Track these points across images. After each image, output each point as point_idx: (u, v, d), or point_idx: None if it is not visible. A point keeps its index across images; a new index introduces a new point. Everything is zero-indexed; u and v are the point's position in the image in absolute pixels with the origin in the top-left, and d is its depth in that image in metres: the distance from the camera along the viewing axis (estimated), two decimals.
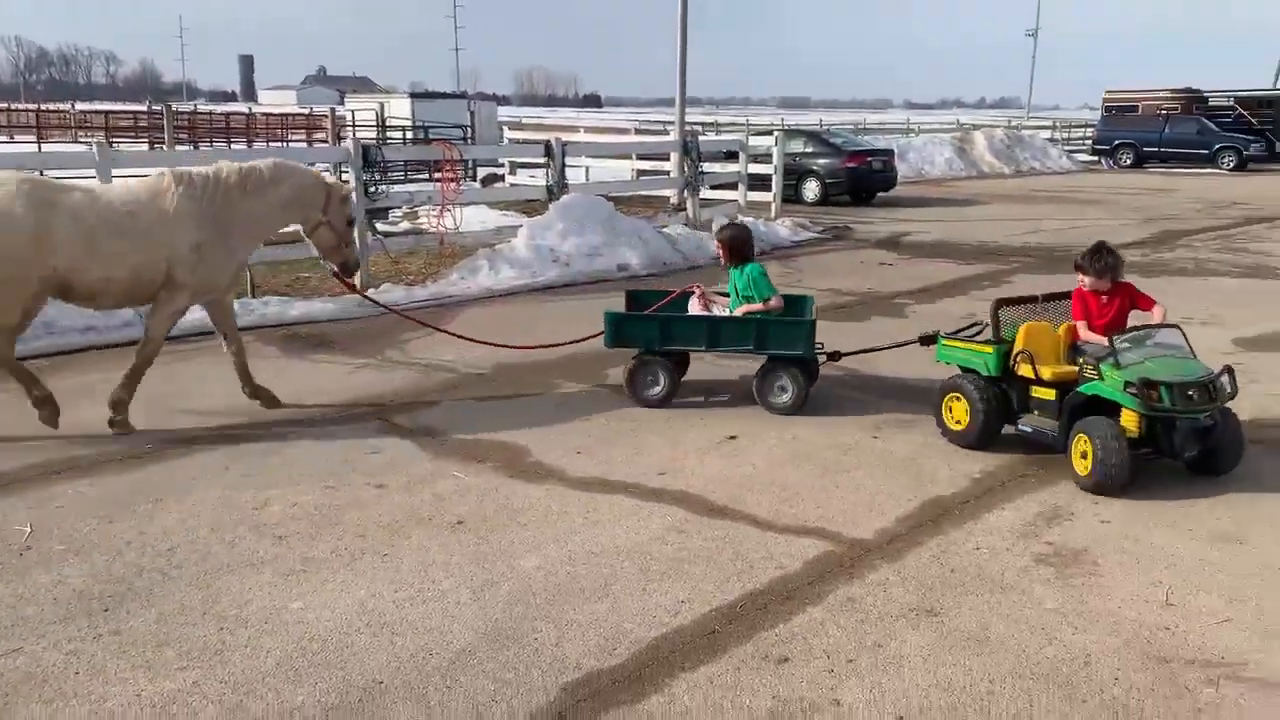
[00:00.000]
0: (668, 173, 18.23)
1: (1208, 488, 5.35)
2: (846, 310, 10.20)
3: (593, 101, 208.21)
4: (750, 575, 4.32)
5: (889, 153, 23.61)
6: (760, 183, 17.54)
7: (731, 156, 18.86)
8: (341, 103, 46.44)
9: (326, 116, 36.24)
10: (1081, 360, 5.58)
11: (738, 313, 6.83)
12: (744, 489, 5.33)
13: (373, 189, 11.46)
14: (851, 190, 21.69)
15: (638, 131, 36.04)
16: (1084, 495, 5.22)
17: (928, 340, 6.62)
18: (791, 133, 23.23)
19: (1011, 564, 4.46)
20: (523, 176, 22.84)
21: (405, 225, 15.99)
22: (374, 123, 33.50)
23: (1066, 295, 6.17)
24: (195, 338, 8.63)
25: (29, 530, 4.74)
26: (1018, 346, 5.83)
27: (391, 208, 13.53)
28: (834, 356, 7.06)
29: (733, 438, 6.17)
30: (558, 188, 13.10)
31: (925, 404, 6.51)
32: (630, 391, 6.86)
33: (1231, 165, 34.20)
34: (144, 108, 51.85)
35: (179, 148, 29.28)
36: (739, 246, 6.96)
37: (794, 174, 20.67)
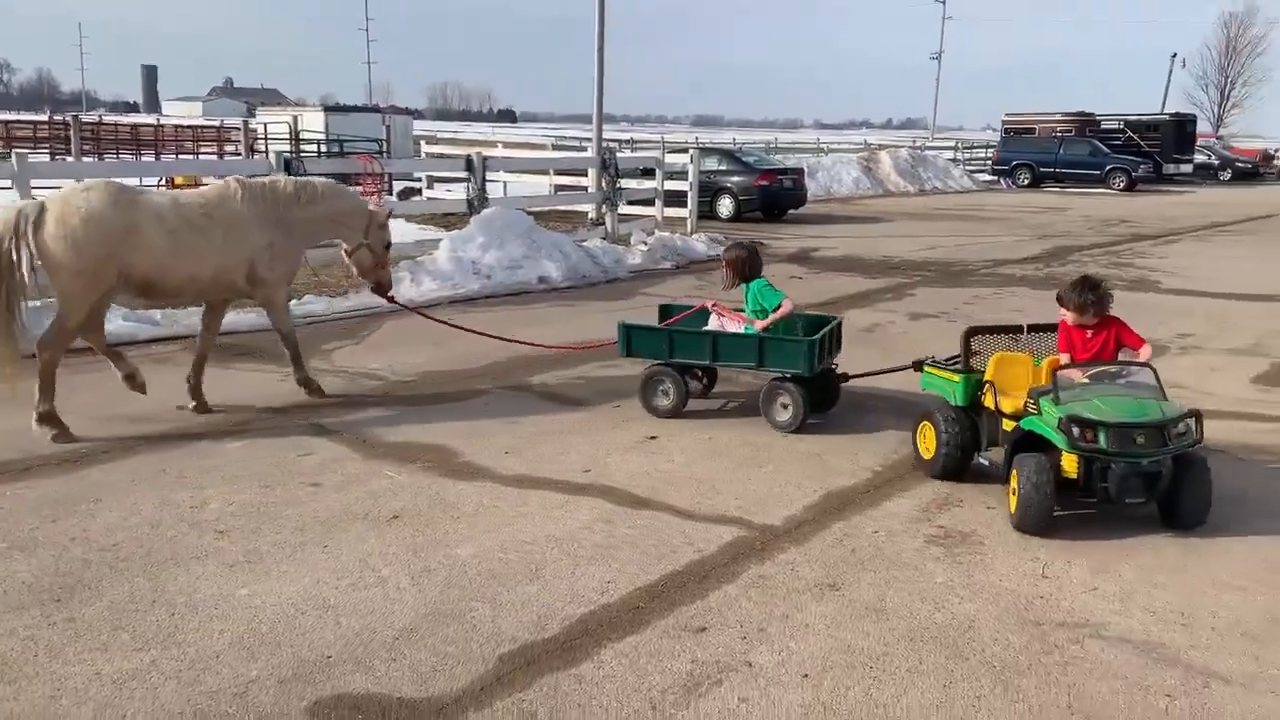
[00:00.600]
0: (585, 188, 18.62)
1: None
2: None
3: (507, 117, 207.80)
4: (671, 558, 4.68)
5: (799, 171, 24.37)
6: (677, 199, 18.02)
7: (648, 173, 19.33)
8: (250, 115, 45.76)
9: (238, 129, 35.75)
10: (1027, 395, 5.34)
11: (756, 327, 6.81)
12: (664, 483, 5.69)
13: None
14: (764, 207, 22.36)
15: (555, 147, 36.40)
16: (972, 485, 5.70)
17: (919, 366, 6.36)
18: (706, 151, 23.84)
19: (906, 545, 4.90)
20: (439, 191, 22.98)
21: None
22: (287, 136, 33.19)
23: (1053, 328, 5.89)
24: (119, 348, 8.68)
25: None
26: (987, 376, 5.61)
27: None
28: (842, 379, 7.05)
29: (653, 437, 6.54)
30: (479, 202, 13.37)
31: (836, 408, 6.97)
32: (641, 401, 7.01)
33: (1122, 185, 35.95)
34: (44, 117, 50.36)
35: (85, 159, 28.63)
36: (739, 266, 6.99)
37: (709, 191, 21.24)
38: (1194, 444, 5.01)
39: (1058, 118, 42.93)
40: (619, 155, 17.76)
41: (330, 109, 38.90)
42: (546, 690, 3.57)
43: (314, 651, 3.81)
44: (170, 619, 4.04)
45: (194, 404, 6.95)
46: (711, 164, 22.35)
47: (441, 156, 25.11)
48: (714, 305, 7.30)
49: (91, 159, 30.70)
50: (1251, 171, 46.17)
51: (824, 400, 7.01)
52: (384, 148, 33.12)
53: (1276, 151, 53.86)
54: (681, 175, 18.36)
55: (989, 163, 41.44)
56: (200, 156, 35.35)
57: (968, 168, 41.34)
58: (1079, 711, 3.50)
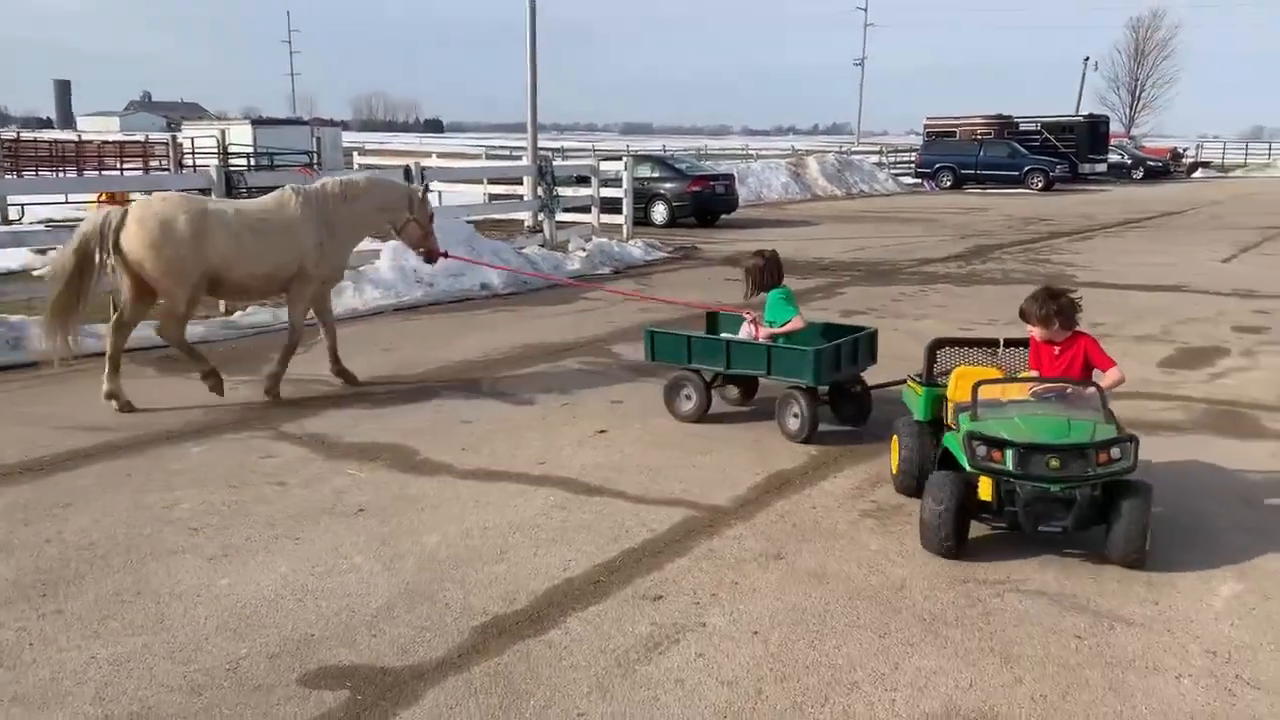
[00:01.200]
0: (520, 196, 18.88)
1: None
2: (698, 322, 11.04)
3: (434, 127, 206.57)
4: (626, 538, 5.01)
5: (730, 177, 24.91)
6: (612, 206, 18.37)
7: (583, 181, 19.64)
8: (169, 129, 45.16)
9: (163, 144, 35.31)
10: (954, 410, 5.10)
11: (761, 336, 6.87)
12: (616, 472, 6.02)
13: None
14: (697, 213, 22.83)
15: (488, 157, 36.54)
16: None
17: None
18: (639, 158, 24.22)
19: (843, 518, 5.30)
20: None
21: None
22: (215, 150, 32.92)
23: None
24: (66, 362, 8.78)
25: None
26: (948, 391, 5.35)
27: None
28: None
29: (602, 431, 6.86)
30: None
31: (767, 400, 7.36)
32: (667, 406, 7.11)
33: (1040, 185, 37.21)
34: None
35: (7, 176, 28.05)
36: (755, 274, 6.97)
37: (643, 197, 21.64)
38: (1125, 471, 4.57)
39: (978, 121, 44.22)
40: (554, 164, 18.07)
41: (258, 122, 38.73)
42: (519, 655, 3.88)
43: (298, 631, 4.06)
44: (156, 608, 4.26)
45: (343, 381, 8.01)
46: (645, 171, 22.74)
47: (376, 168, 25.11)
48: (750, 314, 7.17)
49: (12, 175, 30.09)
50: (1162, 170, 48.02)
51: (855, 412, 6.92)
52: (315, 160, 33.02)
53: (1185, 150, 56.08)
54: (616, 183, 18.72)
55: (913, 166, 42.55)
56: (125, 172, 34.78)
57: (893, 171, 42.39)
58: (999, 653, 3.91)
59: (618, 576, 4.58)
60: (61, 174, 35.80)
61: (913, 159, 43.88)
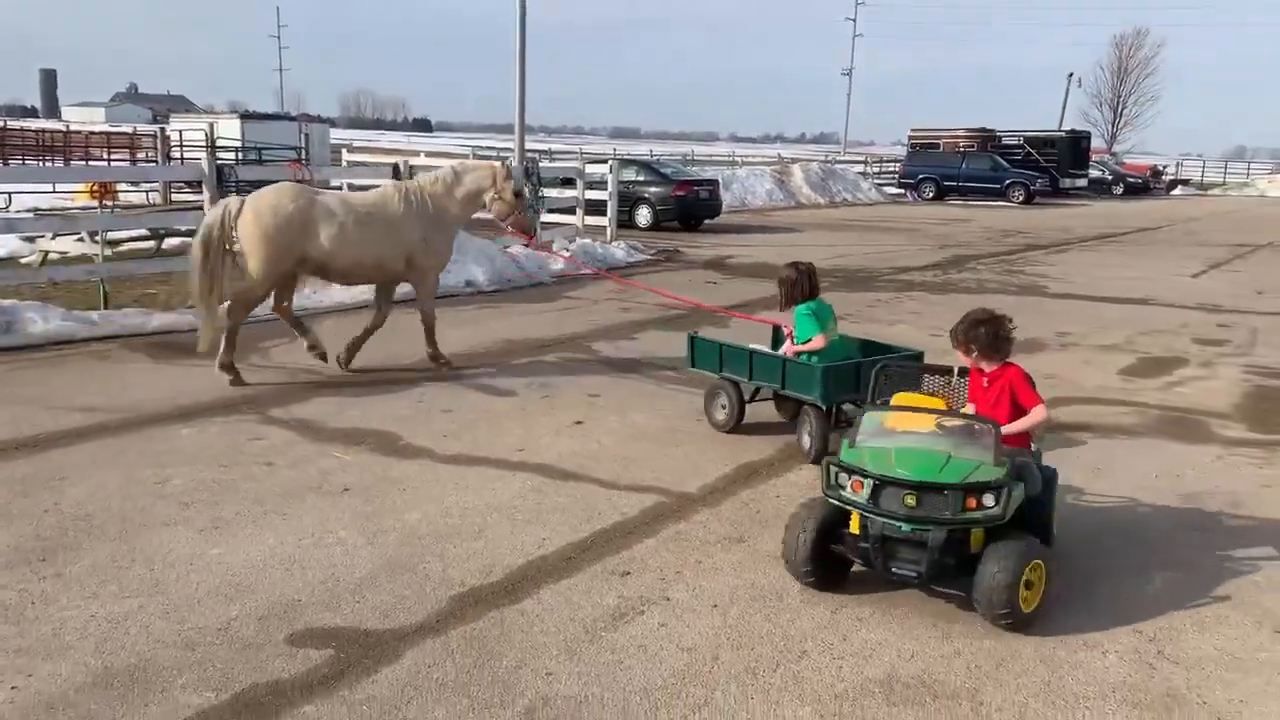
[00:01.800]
0: None
1: None
2: (676, 322, 11.34)
3: (422, 126, 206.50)
4: (598, 520, 5.28)
5: (714, 182, 25.22)
6: (596, 208, 18.64)
7: (569, 183, 19.92)
8: (155, 121, 45.13)
9: (153, 136, 35.36)
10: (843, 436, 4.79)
11: (785, 351, 6.69)
12: (591, 460, 6.29)
13: None
14: (680, 216, 23.13)
15: (476, 157, 36.72)
16: None
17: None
18: (625, 162, 24.50)
19: None
20: None
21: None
22: (203, 143, 32.98)
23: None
24: (57, 346, 9.01)
25: None
26: None
27: None
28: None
29: (579, 422, 7.13)
30: None
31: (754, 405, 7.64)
32: (705, 412, 7.07)
33: (1020, 198, 37.72)
34: None
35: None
36: (787, 287, 6.65)
37: (628, 200, 21.92)
38: (991, 521, 4.11)
39: (961, 133, 44.77)
40: (541, 165, 18.34)
41: (246, 116, 38.71)
42: (494, 621, 4.14)
43: (285, 596, 4.31)
44: (151, 574, 4.50)
45: (435, 364, 8.46)
46: (630, 175, 23.03)
47: (372, 165, 25.30)
48: (788, 328, 6.91)
49: None
50: (1142, 186, 48.70)
51: None
52: (303, 156, 33.14)
53: (1165, 168, 56.81)
54: (601, 185, 18.99)
55: (897, 177, 43.00)
56: (112, 164, 34.82)
57: (877, 181, 42.84)
58: (941, 629, 4.19)
59: (589, 554, 4.84)
60: (48, 163, 35.81)
61: (897, 169, 44.34)
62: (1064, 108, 58.96)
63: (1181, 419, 7.72)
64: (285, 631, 4.01)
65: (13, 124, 47.51)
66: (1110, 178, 48.01)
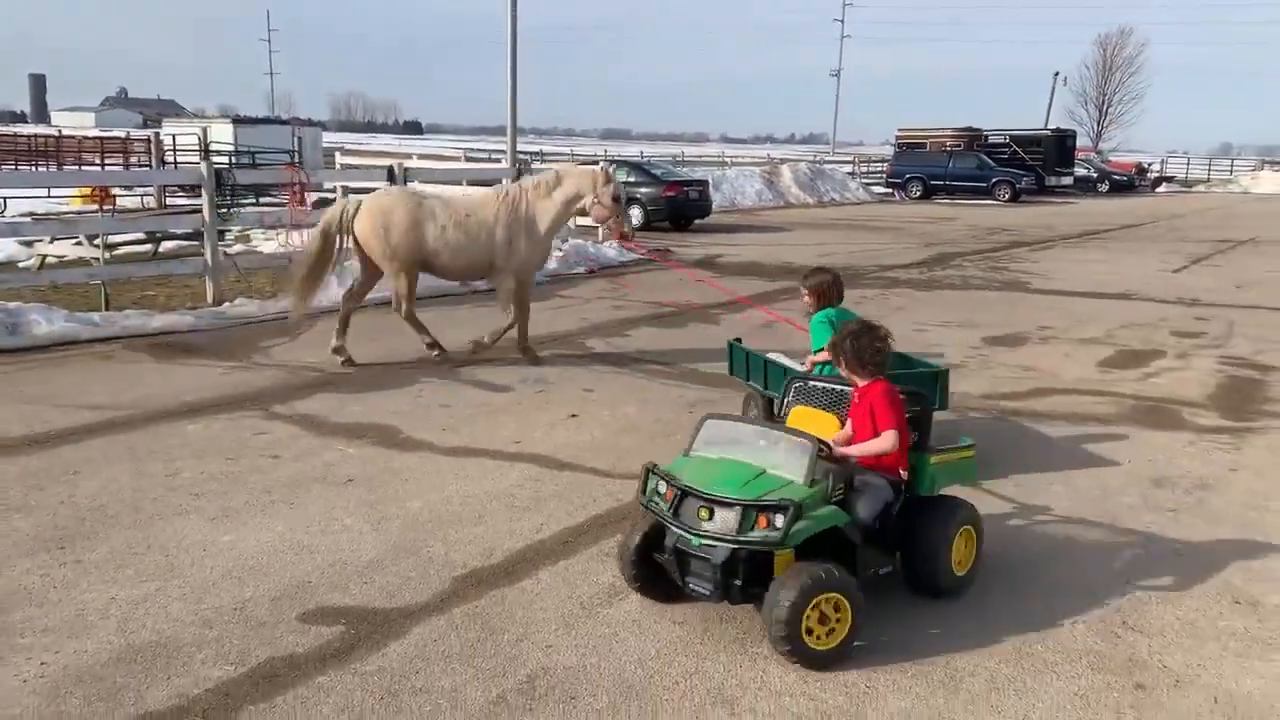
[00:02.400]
0: None
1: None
2: (668, 319, 11.58)
3: (413, 129, 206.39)
4: (594, 506, 5.51)
5: (704, 183, 25.47)
6: None
7: None
8: (145, 125, 45.21)
9: (145, 141, 35.50)
10: None
11: (806, 363, 6.23)
12: (586, 451, 6.51)
13: (224, 209, 12.11)
14: (671, 217, 23.38)
15: (467, 159, 36.96)
16: None
17: None
18: (616, 163, 24.75)
19: None
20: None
21: (238, 247, 16.48)
22: (196, 148, 33.13)
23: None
24: (61, 346, 9.21)
25: None
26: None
27: (224, 230, 14.06)
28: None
29: (574, 416, 7.35)
30: None
31: (725, 388, 7.87)
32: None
33: (1006, 197, 38.01)
34: None
35: None
36: (820, 292, 6.21)
37: None
38: (768, 544, 3.83)
39: (948, 133, 45.08)
40: (534, 167, 18.56)
41: (238, 121, 38.91)
42: (495, 600, 4.36)
43: (296, 579, 4.53)
44: (166, 559, 4.72)
45: (525, 358, 8.86)
46: (621, 176, 23.19)
47: (366, 168, 25.50)
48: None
49: None
50: (1127, 184, 49.06)
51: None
52: (296, 159, 33.30)
53: (1150, 165, 57.23)
54: None
55: (884, 176, 43.31)
56: (106, 168, 34.91)
57: (864, 180, 43.14)
58: (922, 601, 4.43)
59: (585, 537, 5.07)
60: (41, 168, 35.88)
61: (884, 169, 44.63)
62: (1050, 107, 59.43)
63: (1156, 408, 7.97)
64: (297, 610, 4.23)
65: (4, 129, 47.47)
66: (1096, 175, 48.38)
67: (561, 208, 8.70)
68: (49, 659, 3.80)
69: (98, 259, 12.59)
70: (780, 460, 4.06)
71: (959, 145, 43.00)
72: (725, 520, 3.87)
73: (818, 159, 48.05)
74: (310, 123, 52.64)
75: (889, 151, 51.13)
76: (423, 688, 3.67)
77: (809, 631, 3.77)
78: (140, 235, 15.61)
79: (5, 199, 22.19)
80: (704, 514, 3.92)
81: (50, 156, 37.54)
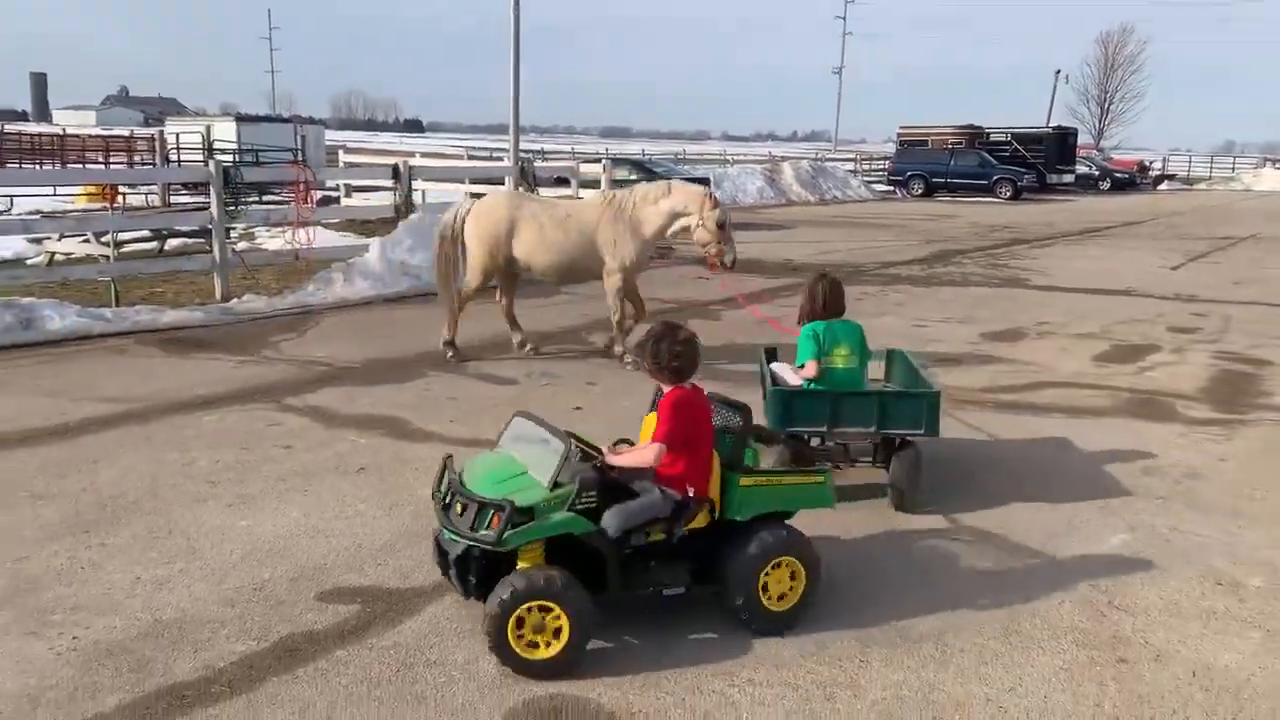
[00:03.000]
0: None
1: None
2: (667, 315, 11.74)
3: (414, 127, 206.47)
4: None
5: (706, 181, 25.60)
6: None
7: (562, 182, 20.30)
8: (146, 124, 45.40)
9: (148, 139, 35.69)
10: None
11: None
12: (593, 440, 6.66)
13: (231, 207, 12.28)
14: None
15: (470, 157, 37.15)
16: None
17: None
18: (618, 161, 24.90)
19: None
20: (357, 199, 23.63)
21: (243, 244, 16.64)
22: (199, 146, 33.32)
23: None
24: (74, 341, 9.38)
25: None
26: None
27: (230, 227, 14.21)
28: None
29: (578, 408, 7.53)
30: (406, 207, 14.19)
31: (726, 380, 8.04)
32: None
33: (1008, 195, 38.14)
34: None
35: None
36: (805, 299, 6.00)
37: None
38: (486, 543, 3.75)
39: (949, 131, 45.17)
40: (536, 165, 18.73)
41: (242, 119, 39.10)
42: None
43: (313, 561, 4.71)
44: (187, 543, 4.89)
45: (629, 365, 8.67)
46: (623, 174, 23.40)
47: (371, 165, 25.68)
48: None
49: None
50: (1129, 182, 49.17)
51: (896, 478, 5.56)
52: (299, 157, 33.47)
53: (1151, 163, 57.33)
54: (594, 184, 19.37)
55: (886, 174, 43.45)
56: (110, 166, 35.11)
57: (866, 178, 43.27)
58: (919, 581, 4.60)
59: None
60: (45, 166, 36.08)
61: (886, 167, 44.75)
62: (1051, 104, 59.54)
63: (1149, 400, 8.14)
64: (315, 590, 4.40)
65: (11, 128, 47.68)
66: (1097, 173, 48.46)
67: (665, 218, 8.66)
68: (80, 634, 3.98)
69: (107, 256, 12.77)
70: (540, 461, 4.01)
71: (960, 143, 43.09)
72: (467, 517, 3.83)
73: (819, 157, 48.19)
74: (312, 121, 52.79)
75: (891, 149, 51.27)
76: (437, 660, 3.85)
77: (520, 636, 3.70)
78: (146, 233, 15.80)
79: (12, 197, 22.37)
80: (458, 509, 3.90)
81: (54, 155, 37.71)
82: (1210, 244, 21.94)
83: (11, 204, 22.04)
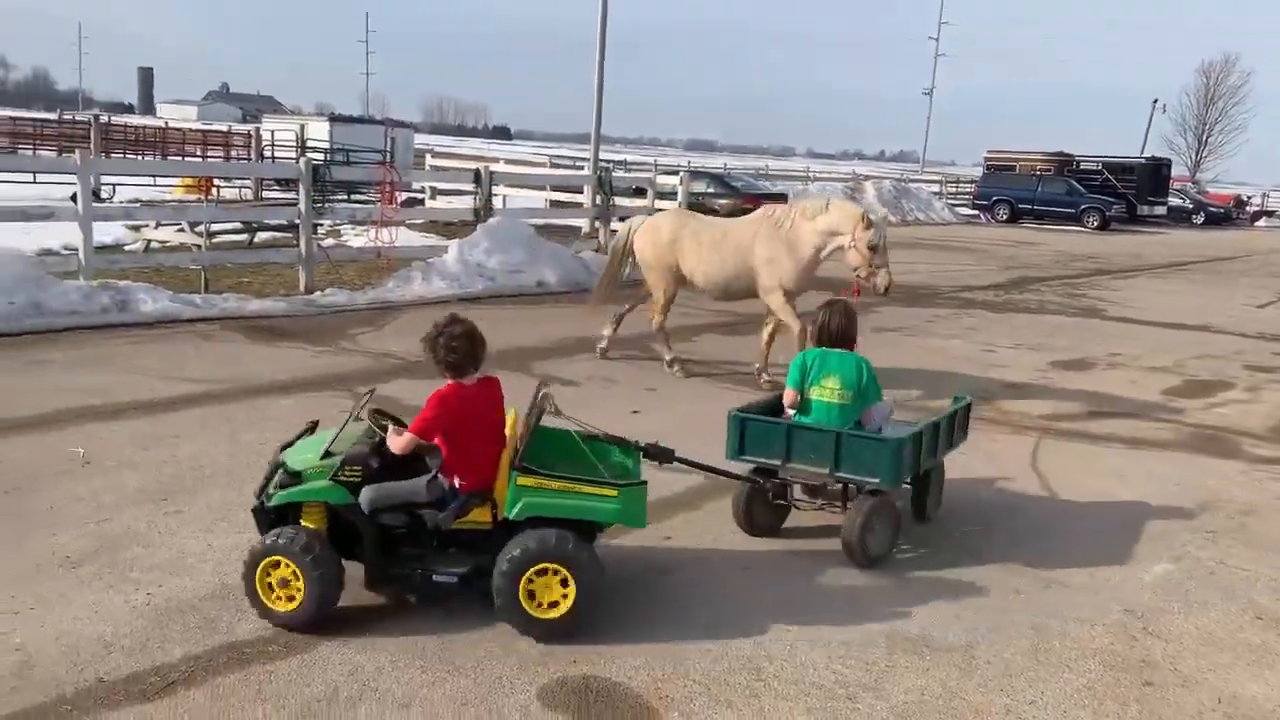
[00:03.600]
0: (580, 205, 19.83)
1: None
2: (734, 327, 11.88)
3: (502, 133, 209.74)
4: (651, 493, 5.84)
5: (783, 196, 25.67)
6: None
7: (640, 192, 20.57)
8: (244, 120, 46.81)
9: (245, 135, 36.96)
10: None
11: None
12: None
13: (319, 204, 12.76)
14: None
15: (552, 165, 37.68)
16: None
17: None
18: (696, 174, 25.16)
19: None
20: (441, 202, 24.20)
21: (329, 240, 17.19)
22: (293, 143, 34.35)
23: None
24: (166, 324, 9.88)
25: (82, 452, 6.00)
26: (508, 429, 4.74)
27: (317, 223, 14.72)
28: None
29: (636, 412, 7.72)
30: (485, 211, 14.57)
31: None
32: None
33: (1095, 224, 37.40)
34: (53, 116, 51.49)
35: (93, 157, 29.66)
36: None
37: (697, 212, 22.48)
38: (261, 504, 4.24)
39: (1037, 157, 44.50)
40: (614, 175, 19.03)
41: (334, 119, 40.08)
42: None
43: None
44: None
45: (766, 384, 8.66)
46: (700, 186, 23.65)
47: (454, 169, 26.29)
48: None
49: (100, 157, 31.73)
50: (1224, 216, 47.80)
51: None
52: (389, 159, 34.32)
53: (1249, 199, 55.65)
54: (671, 196, 19.59)
55: (971, 198, 42.92)
56: (207, 159, 36.46)
57: (951, 201, 42.78)
58: (948, 597, 4.68)
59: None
60: (147, 158, 37.57)
61: (972, 190, 44.21)
62: (1147, 134, 58.20)
63: (1215, 436, 8.04)
64: None
65: (116, 120, 49.72)
66: (1190, 206, 47.26)
67: (821, 237, 8.44)
68: (154, 591, 4.29)
69: (199, 245, 13.35)
70: (343, 435, 4.35)
71: (1049, 169, 42.44)
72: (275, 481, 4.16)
73: (904, 177, 47.81)
74: (403, 124, 53.96)
75: (979, 173, 50.63)
76: (478, 640, 4.06)
77: (269, 589, 4.01)
78: (237, 224, 16.44)
79: (115, 185, 23.40)
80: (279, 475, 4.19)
81: (155, 147, 39.23)
82: None
83: (114, 192, 23.07)
